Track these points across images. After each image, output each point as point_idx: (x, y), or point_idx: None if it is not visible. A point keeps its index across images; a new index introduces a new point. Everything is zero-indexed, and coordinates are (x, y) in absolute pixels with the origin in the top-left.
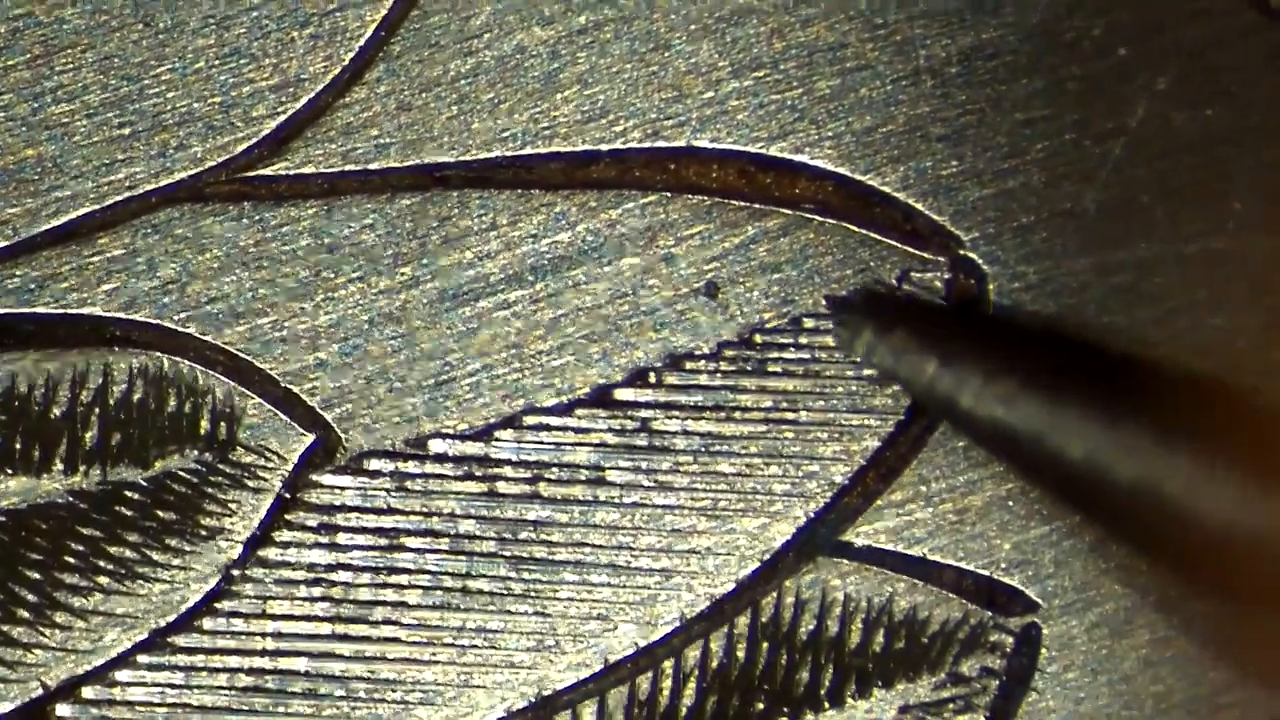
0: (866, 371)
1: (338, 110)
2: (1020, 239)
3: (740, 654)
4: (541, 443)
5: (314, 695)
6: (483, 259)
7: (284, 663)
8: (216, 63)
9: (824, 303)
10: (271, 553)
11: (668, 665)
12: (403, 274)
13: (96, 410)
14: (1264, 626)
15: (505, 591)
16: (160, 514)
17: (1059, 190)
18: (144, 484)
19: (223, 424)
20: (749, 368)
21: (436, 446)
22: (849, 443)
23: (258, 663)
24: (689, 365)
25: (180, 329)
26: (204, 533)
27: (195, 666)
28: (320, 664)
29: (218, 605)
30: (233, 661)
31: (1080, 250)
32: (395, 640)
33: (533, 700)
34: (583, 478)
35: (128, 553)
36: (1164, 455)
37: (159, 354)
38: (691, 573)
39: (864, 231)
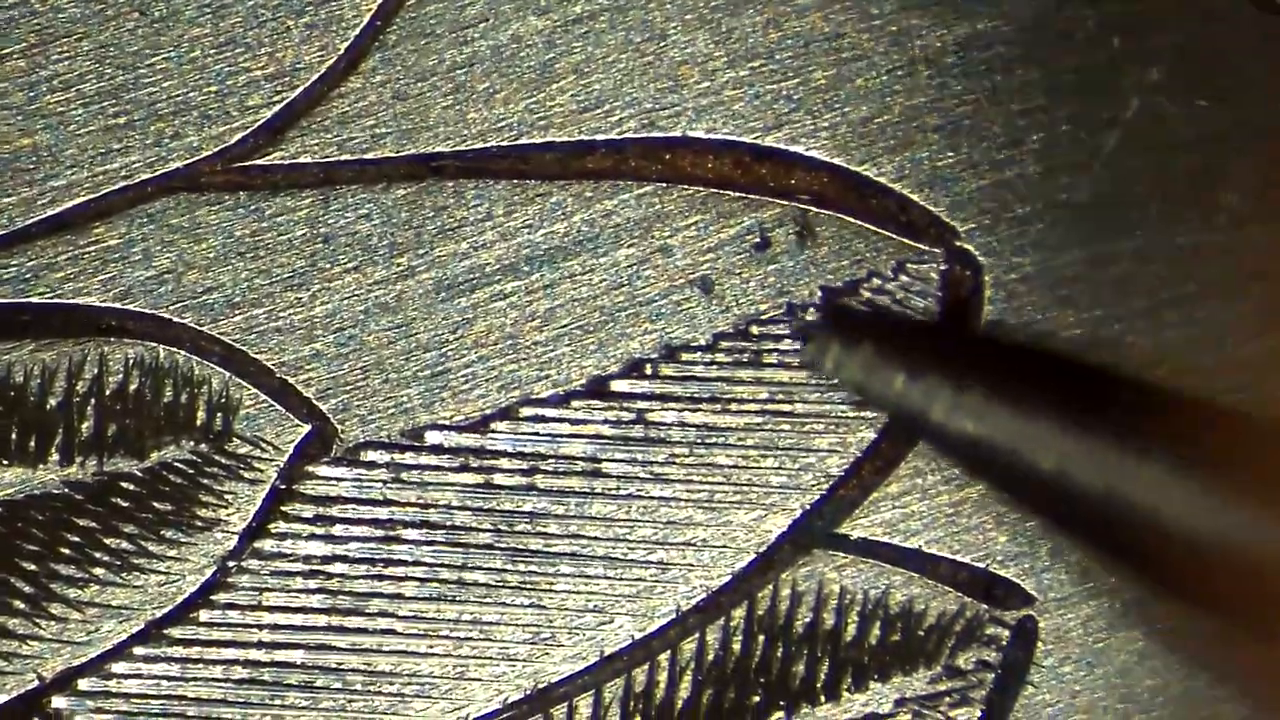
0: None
1: (333, 100)
2: (1016, 230)
3: (736, 646)
4: (537, 434)
5: (310, 687)
6: (478, 249)
7: (280, 655)
8: (212, 52)
9: (819, 294)
10: (267, 544)
11: (664, 658)
12: (398, 264)
13: (92, 401)
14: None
15: (501, 583)
16: (156, 505)
17: (1054, 182)
18: (140, 475)
19: (218, 415)
20: (745, 359)
21: (432, 438)
22: (845, 435)
23: (254, 655)
24: (685, 356)
25: (176, 319)
26: (200, 524)
27: (191, 658)
28: (316, 656)
29: (214, 597)
30: (228, 653)
31: (1075, 242)
32: (391, 632)
33: (529, 692)
34: (579, 469)
35: (123, 544)
36: (1135, 465)
37: (155, 344)
38: (687, 565)
39: (859, 223)
